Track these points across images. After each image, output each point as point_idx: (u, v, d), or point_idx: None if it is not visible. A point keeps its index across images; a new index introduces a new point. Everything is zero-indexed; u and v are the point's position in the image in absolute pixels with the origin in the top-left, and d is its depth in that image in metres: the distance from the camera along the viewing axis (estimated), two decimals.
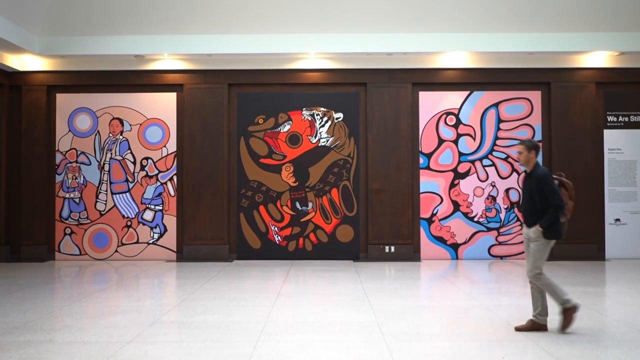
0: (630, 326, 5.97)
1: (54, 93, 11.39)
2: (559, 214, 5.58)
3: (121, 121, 11.31)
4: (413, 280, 8.99)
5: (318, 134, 11.21)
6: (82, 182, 11.26)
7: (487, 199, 11.08)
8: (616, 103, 11.25)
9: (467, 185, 11.10)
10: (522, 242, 11.04)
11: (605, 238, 11.11)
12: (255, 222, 11.15)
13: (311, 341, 5.43)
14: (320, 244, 11.11)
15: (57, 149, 11.32)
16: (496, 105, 11.20)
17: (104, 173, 11.27)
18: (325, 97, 11.27)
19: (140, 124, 11.31)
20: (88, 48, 10.67)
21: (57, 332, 5.81)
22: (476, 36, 10.60)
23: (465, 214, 11.06)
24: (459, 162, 11.12)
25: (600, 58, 11.04)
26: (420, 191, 11.14)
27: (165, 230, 11.20)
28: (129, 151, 11.29)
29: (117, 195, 11.24)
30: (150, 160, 11.27)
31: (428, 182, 11.15)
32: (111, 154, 11.29)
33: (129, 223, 11.20)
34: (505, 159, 11.12)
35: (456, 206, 11.11)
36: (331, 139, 11.20)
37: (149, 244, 11.19)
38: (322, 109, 11.24)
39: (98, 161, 11.28)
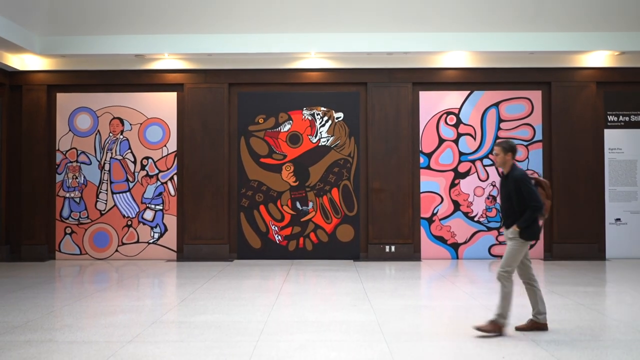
0: (631, 326, 5.96)
1: (54, 93, 11.39)
2: (537, 214, 5.55)
3: (121, 121, 11.31)
4: (413, 280, 8.99)
5: (318, 134, 11.21)
6: (82, 181, 11.26)
7: (488, 198, 11.08)
8: (617, 103, 11.24)
9: (467, 185, 11.09)
10: None
11: (605, 238, 11.11)
12: (256, 221, 11.15)
13: (311, 341, 5.43)
14: (320, 244, 11.11)
15: (57, 148, 11.32)
16: (496, 104, 11.19)
17: (104, 173, 11.27)
18: (325, 96, 11.27)
19: (141, 124, 11.31)
20: (88, 48, 10.67)
21: (57, 331, 5.81)
22: (476, 36, 10.59)
23: (466, 214, 11.05)
24: (460, 161, 11.12)
25: (600, 58, 11.03)
26: (421, 191, 11.14)
27: (166, 229, 11.20)
28: (129, 151, 11.29)
29: (118, 195, 11.24)
30: (150, 160, 11.27)
31: (428, 181, 11.14)
32: (111, 153, 11.29)
33: (129, 223, 11.20)
34: None
35: (456, 206, 11.10)
36: (331, 138, 11.20)
37: (149, 243, 11.19)
38: (323, 108, 11.24)
39: (98, 161, 11.29)
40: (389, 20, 10.50)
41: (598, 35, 10.58)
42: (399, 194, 11.02)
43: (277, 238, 11.14)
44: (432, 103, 11.22)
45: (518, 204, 5.59)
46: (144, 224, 11.20)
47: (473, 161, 11.12)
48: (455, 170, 11.13)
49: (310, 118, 11.22)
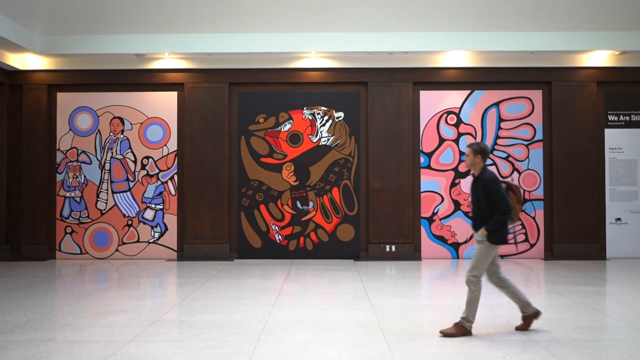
0: (631, 325, 5.96)
1: (54, 92, 11.39)
2: (506, 218, 5.49)
3: (122, 120, 11.32)
4: (414, 280, 8.99)
5: (319, 133, 11.20)
6: (82, 181, 11.26)
7: None
8: (617, 102, 11.24)
9: (467, 185, 11.09)
10: (523, 241, 11.05)
11: (606, 237, 11.11)
12: (256, 221, 11.16)
13: (312, 340, 5.43)
14: (320, 243, 11.11)
15: (57, 148, 11.33)
16: (497, 104, 11.19)
17: (104, 172, 11.27)
18: (326, 96, 11.27)
19: (141, 123, 11.31)
20: (89, 47, 10.67)
21: (57, 331, 5.81)
22: (477, 35, 10.59)
23: (466, 213, 11.05)
24: (460, 161, 11.12)
25: (601, 57, 11.03)
26: (421, 190, 11.14)
27: (166, 229, 11.20)
28: (129, 150, 11.29)
29: (118, 194, 11.24)
30: (151, 159, 11.27)
31: (429, 181, 11.14)
32: (112, 153, 11.29)
33: (129, 222, 11.20)
34: (506, 158, 11.12)
35: (457, 205, 11.10)
36: (332, 138, 11.20)
37: (149, 243, 11.19)
38: (323, 108, 11.24)
39: (99, 160, 11.29)
40: (389, 19, 10.50)
41: (598, 35, 10.58)
42: (400, 194, 11.02)
43: (277, 237, 11.14)
44: (432, 102, 11.21)
45: (487, 207, 5.54)
46: (144, 223, 11.20)
47: None
48: (455, 169, 11.13)
49: (310, 117, 11.22)
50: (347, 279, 8.92)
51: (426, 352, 5.08)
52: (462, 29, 10.57)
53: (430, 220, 11.12)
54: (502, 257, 11.04)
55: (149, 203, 11.22)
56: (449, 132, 11.17)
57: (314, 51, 10.72)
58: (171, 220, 11.21)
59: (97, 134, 11.31)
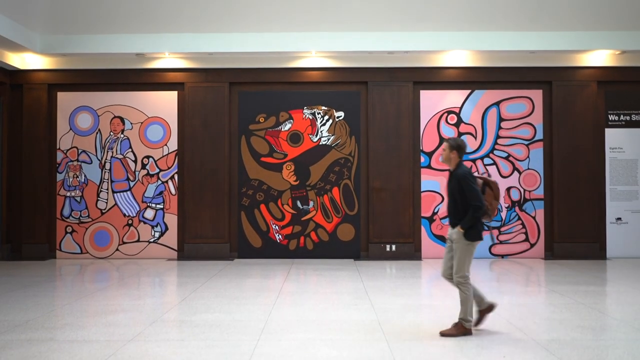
0: (632, 325, 5.96)
1: (55, 91, 11.39)
2: (479, 214, 5.46)
3: (122, 120, 11.32)
4: (414, 279, 8.99)
5: (319, 133, 11.20)
6: (83, 180, 11.26)
7: None
8: (617, 102, 11.23)
9: None
10: (523, 241, 11.05)
11: (606, 237, 11.10)
12: (256, 220, 11.16)
13: (312, 340, 5.43)
14: (321, 243, 11.11)
15: (58, 147, 11.33)
16: (497, 104, 11.18)
17: (105, 172, 11.27)
18: (326, 95, 11.27)
19: (141, 123, 11.31)
20: (89, 46, 10.66)
21: (58, 330, 5.81)
22: (477, 35, 10.58)
23: None
24: None
25: (601, 57, 11.03)
26: (421, 190, 11.14)
27: (166, 228, 11.20)
28: (130, 150, 11.29)
29: (118, 194, 11.24)
30: (151, 159, 11.27)
31: (429, 180, 11.14)
32: (112, 152, 11.29)
33: (130, 222, 11.20)
34: (507, 158, 11.11)
35: None
36: (332, 137, 11.20)
37: (149, 242, 11.19)
38: (323, 107, 11.24)
39: (99, 160, 11.29)
40: (389, 19, 10.49)
41: (599, 35, 10.57)
42: (400, 193, 11.02)
43: (277, 237, 11.14)
44: (432, 102, 11.21)
45: (462, 203, 5.53)
46: (144, 223, 11.20)
47: (474, 160, 11.11)
48: None
49: (311, 117, 11.22)
50: (348, 278, 8.92)
51: (426, 351, 5.08)
52: (463, 29, 10.57)
53: (431, 219, 11.11)
54: (502, 256, 11.04)
55: (149, 202, 11.22)
56: (449, 132, 11.16)
57: (314, 51, 10.72)
58: (171, 220, 11.21)
59: (97, 133, 11.31)
